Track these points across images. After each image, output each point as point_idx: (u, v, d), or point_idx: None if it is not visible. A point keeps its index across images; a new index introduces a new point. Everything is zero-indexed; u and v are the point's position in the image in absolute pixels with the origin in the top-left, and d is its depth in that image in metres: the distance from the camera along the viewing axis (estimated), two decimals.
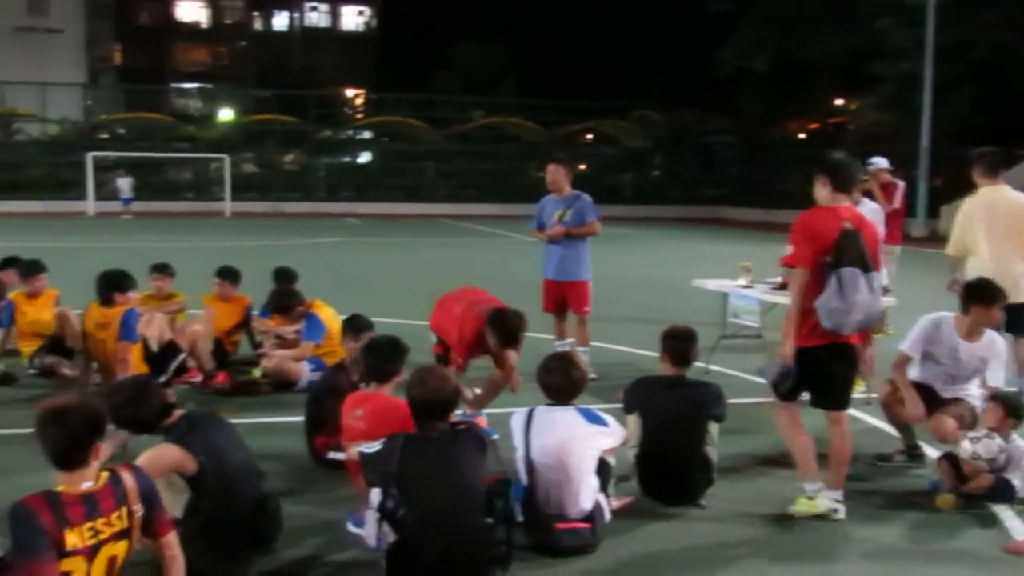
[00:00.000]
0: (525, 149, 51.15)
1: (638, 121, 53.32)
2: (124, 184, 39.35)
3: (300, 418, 6.30)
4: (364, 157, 53.73)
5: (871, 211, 8.73)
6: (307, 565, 4.58)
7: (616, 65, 59.02)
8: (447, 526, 4.10)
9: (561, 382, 4.90)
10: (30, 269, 9.00)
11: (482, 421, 6.24)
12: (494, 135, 51.44)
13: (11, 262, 9.53)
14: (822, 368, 5.12)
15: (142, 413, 4.32)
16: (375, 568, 4.28)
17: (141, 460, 4.13)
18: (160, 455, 4.16)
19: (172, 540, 3.76)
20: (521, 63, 56.98)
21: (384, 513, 4.20)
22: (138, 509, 3.58)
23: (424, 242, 27.75)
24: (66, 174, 43.61)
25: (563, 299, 8.94)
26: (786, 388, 5.24)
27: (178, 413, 4.38)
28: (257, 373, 8.43)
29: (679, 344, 5.60)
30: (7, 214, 37.37)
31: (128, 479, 3.60)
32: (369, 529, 4.38)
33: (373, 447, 4.36)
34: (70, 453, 3.46)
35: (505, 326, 6.48)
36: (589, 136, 55.19)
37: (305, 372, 7.97)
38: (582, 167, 41.36)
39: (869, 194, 10.12)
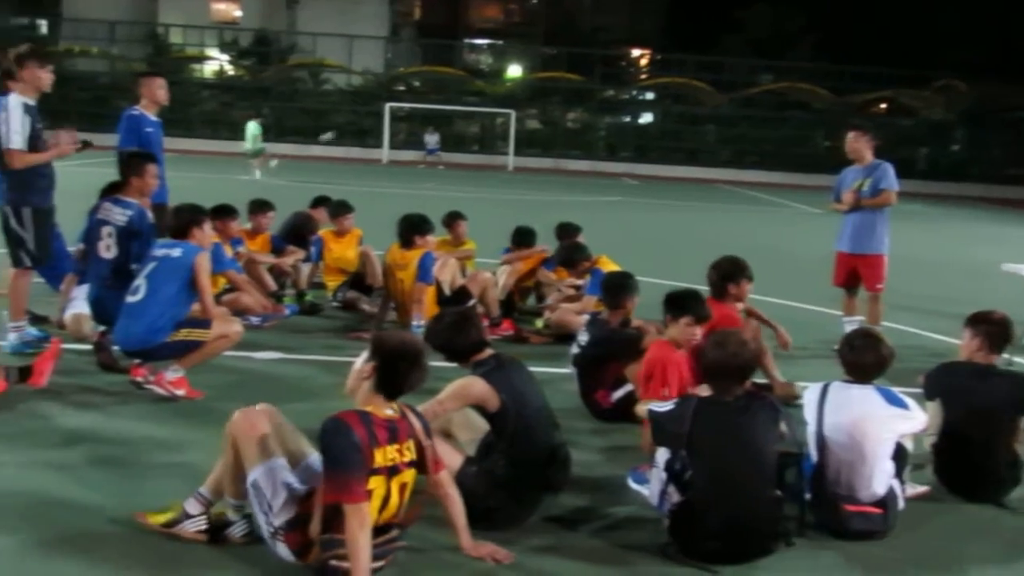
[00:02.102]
0: (814, 117, 49.11)
1: (941, 92, 49.71)
2: (431, 139, 41.29)
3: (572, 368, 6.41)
4: (645, 118, 53.45)
5: None
6: (589, 516, 4.63)
7: (919, 31, 55.12)
8: (735, 493, 4.03)
9: (867, 359, 4.64)
10: (339, 209, 9.64)
11: None
12: (781, 101, 49.54)
13: (322, 201, 10.26)
14: None
15: (458, 342, 4.49)
16: (657, 526, 4.29)
17: (450, 388, 4.35)
18: (468, 385, 4.34)
19: (446, 479, 3.93)
20: (817, 27, 54.39)
21: (671, 474, 4.19)
22: (427, 443, 3.77)
23: (700, 206, 27.31)
24: (366, 123, 46.44)
25: (855, 273, 8.54)
26: None
27: (488, 351, 4.52)
28: (539, 324, 8.64)
29: (997, 329, 5.18)
30: (313, 157, 40.29)
31: (412, 417, 3.82)
32: (654, 488, 4.38)
33: (665, 406, 4.34)
34: (404, 386, 3.73)
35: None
36: (883, 106, 52.08)
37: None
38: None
39: None
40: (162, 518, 4.06)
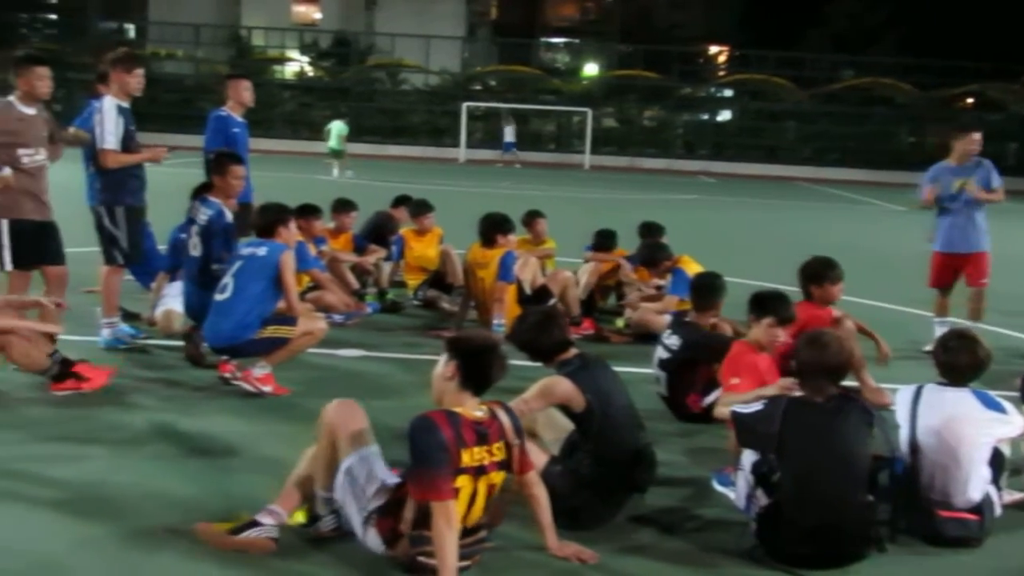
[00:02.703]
0: (897, 112, 48.02)
1: None
2: (508, 130, 41.18)
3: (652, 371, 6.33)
4: (723, 115, 52.86)
5: None
6: (675, 517, 4.59)
7: (1006, 23, 53.48)
8: (826, 497, 3.95)
9: (964, 361, 4.52)
10: (419, 208, 9.73)
11: None
12: (864, 96, 48.48)
13: (403, 200, 10.35)
14: None
15: (542, 341, 4.48)
16: (743, 529, 4.23)
17: (535, 387, 4.34)
18: (554, 384, 4.33)
19: (534, 478, 3.92)
20: (900, 20, 53.15)
21: (758, 476, 4.12)
22: (516, 443, 3.77)
23: (780, 204, 26.92)
24: (443, 122, 46.76)
25: (957, 272, 8.38)
26: None
27: (573, 351, 4.51)
28: (620, 323, 8.60)
29: None
30: (392, 157, 40.70)
31: (503, 416, 3.80)
32: (740, 491, 4.33)
33: (751, 408, 4.28)
34: (489, 379, 3.75)
35: None
36: (970, 100, 50.66)
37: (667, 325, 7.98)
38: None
39: None
40: (228, 526, 4.03)
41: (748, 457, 4.29)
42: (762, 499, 4.12)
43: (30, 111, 6.47)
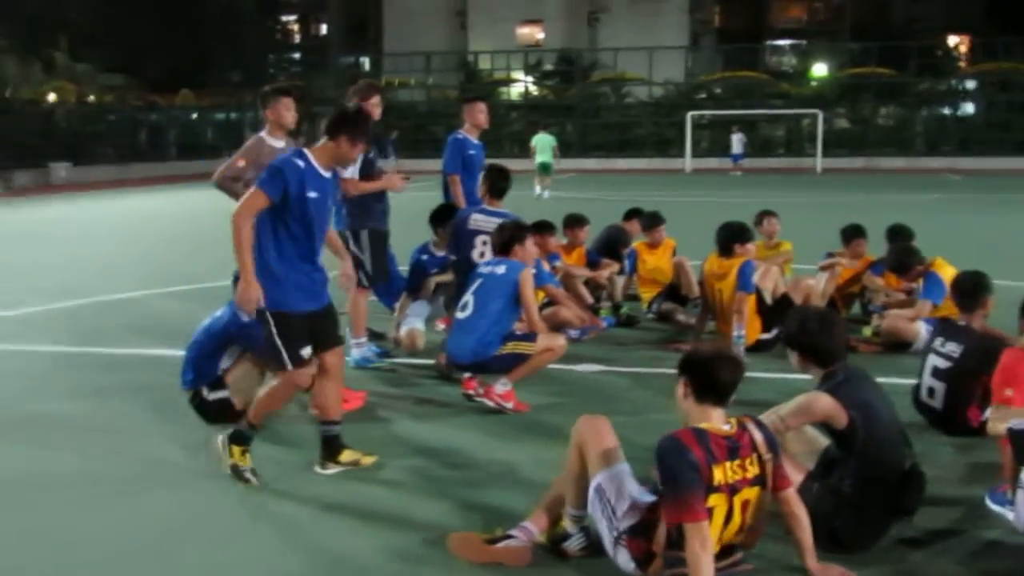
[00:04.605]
0: None
1: None
2: (737, 140, 40.42)
3: (912, 380, 5.93)
4: (967, 108, 49.65)
5: None
6: (946, 539, 4.27)
7: None
8: None
9: None
10: (651, 220, 9.65)
11: None
12: None
13: (634, 213, 10.28)
14: None
15: (822, 341, 4.18)
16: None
17: (793, 404, 4.14)
18: (813, 400, 4.09)
19: (792, 496, 3.72)
20: None
21: None
22: (768, 457, 3.60)
23: None
24: (668, 133, 46.48)
25: None
26: None
27: (837, 363, 4.24)
28: (868, 331, 8.17)
29: None
30: (618, 170, 40.77)
31: (754, 429, 3.64)
32: (1020, 511, 3.97)
33: None
34: (726, 386, 3.62)
35: None
36: None
37: (921, 333, 7.50)
38: None
39: None
40: (485, 535, 4.08)
41: None
42: None
43: (279, 144, 6.84)
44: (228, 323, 5.94)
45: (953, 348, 5.59)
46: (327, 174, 4.91)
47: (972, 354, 5.47)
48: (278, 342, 4.83)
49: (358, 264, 7.31)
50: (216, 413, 5.88)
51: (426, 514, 4.56)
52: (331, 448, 5.16)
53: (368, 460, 5.21)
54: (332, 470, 5.12)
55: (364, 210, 7.23)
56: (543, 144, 27.03)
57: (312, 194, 4.77)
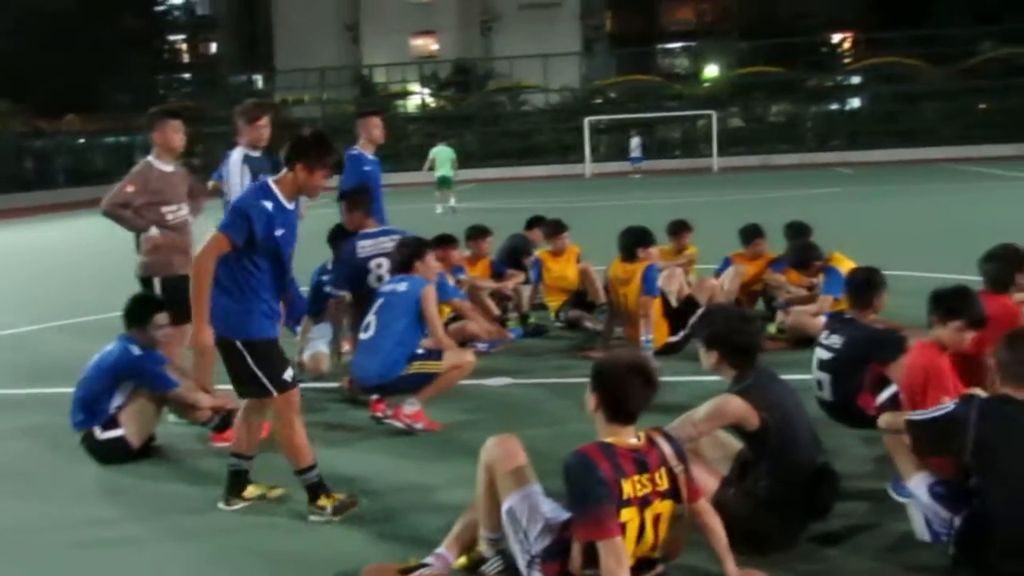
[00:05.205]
0: None
1: None
2: (635, 143, 40.85)
3: (812, 376, 5.95)
4: (854, 103, 51.22)
5: None
6: (863, 535, 4.27)
7: None
8: None
9: None
10: (554, 228, 9.57)
11: None
12: (1006, 68, 45.99)
13: (537, 221, 10.21)
14: None
15: (739, 338, 4.15)
16: (942, 546, 3.89)
17: (704, 409, 4.08)
18: (724, 404, 4.04)
19: (705, 507, 3.67)
20: None
21: (939, 497, 3.78)
22: (679, 469, 3.53)
23: (926, 188, 25.74)
24: (567, 139, 46.77)
25: None
26: None
27: (754, 363, 4.17)
28: (772, 328, 8.25)
29: None
30: (518, 178, 40.88)
31: (663, 442, 3.57)
32: (918, 520, 4.01)
33: (933, 411, 3.92)
34: (638, 407, 3.51)
35: None
36: None
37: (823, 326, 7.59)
38: None
39: None
40: (399, 565, 3.97)
41: (920, 481, 4.00)
42: (949, 516, 3.77)
43: (168, 168, 6.61)
44: (118, 358, 5.69)
45: (836, 340, 5.67)
46: (291, 205, 4.71)
47: (856, 344, 5.56)
48: (257, 372, 4.61)
49: None
50: (109, 453, 5.64)
51: (339, 546, 4.41)
52: (237, 483, 4.95)
53: (275, 493, 5.03)
54: (237, 505, 4.92)
55: None
56: (442, 157, 25.35)
57: (280, 231, 4.59)
